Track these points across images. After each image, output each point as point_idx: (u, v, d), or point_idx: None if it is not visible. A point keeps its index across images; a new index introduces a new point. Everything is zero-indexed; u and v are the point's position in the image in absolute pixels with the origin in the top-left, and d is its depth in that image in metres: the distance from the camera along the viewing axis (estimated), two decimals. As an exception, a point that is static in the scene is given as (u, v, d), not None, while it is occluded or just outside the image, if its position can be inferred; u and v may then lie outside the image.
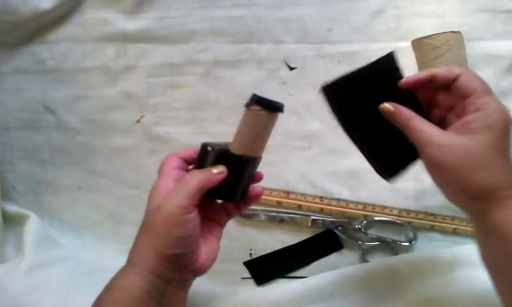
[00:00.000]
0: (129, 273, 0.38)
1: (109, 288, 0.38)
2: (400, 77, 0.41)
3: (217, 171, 0.40)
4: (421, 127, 0.39)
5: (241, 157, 0.40)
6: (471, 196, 0.37)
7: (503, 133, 0.37)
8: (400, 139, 0.40)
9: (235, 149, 0.40)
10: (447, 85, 0.39)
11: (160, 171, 0.42)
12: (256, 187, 0.45)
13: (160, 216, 0.38)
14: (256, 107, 0.39)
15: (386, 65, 0.41)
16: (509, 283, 0.36)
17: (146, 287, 0.37)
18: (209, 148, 0.40)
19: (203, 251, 0.42)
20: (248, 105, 0.40)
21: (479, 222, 0.38)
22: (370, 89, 0.41)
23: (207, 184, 0.39)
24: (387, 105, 0.41)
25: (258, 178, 0.45)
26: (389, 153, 0.43)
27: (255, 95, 0.39)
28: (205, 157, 0.41)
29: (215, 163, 0.41)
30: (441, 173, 0.38)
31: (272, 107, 0.40)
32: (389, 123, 0.41)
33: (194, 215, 0.39)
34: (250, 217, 0.60)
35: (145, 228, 0.39)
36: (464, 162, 0.36)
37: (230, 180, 0.41)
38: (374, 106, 0.41)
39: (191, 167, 0.44)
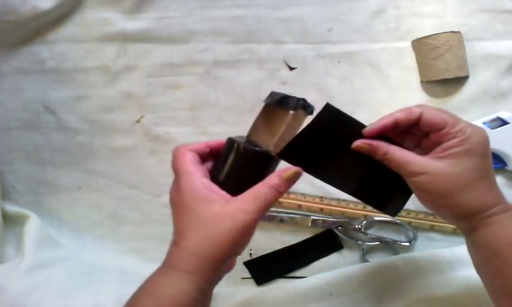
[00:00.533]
0: (178, 279, 0.36)
1: (152, 294, 0.36)
2: (348, 117, 0.41)
3: (288, 188, 0.39)
4: (401, 158, 0.39)
5: (277, 159, 0.40)
6: (458, 217, 0.39)
7: (482, 155, 0.38)
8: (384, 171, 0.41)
9: (276, 152, 0.40)
10: (413, 125, 0.40)
11: (180, 168, 0.39)
12: None
13: (232, 227, 0.36)
14: (301, 111, 0.39)
15: (330, 115, 0.40)
16: (500, 290, 0.39)
17: (195, 294, 0.35)
18: (240, 147, 0.39)
19: None
20: (290, 108, 0.39)
21: (468, 237, 0.40)
22: (328, 140, 0.41)
23: (277, 199, 0.38)
24: (361, 143, 0.41)
25: None
26: (379, 187, 0.43)
27: (302, 100, 0.39)
28: (231, 153, 0.39)
29: (242, 161, 0.39)
30: (428, 198, 0.40)
31: (311, 110, 0.40)
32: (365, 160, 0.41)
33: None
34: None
35: (202, 233, 0.36)
36: (449, 188, 0.38)
37: (254, 178, 0.39)
38: (340, 152, 0.41)
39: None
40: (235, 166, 0.39)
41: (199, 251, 0.36)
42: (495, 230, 0.38)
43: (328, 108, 0.40)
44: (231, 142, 0.40)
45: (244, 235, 0.36)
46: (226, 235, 0.36)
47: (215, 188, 0.38)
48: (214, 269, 0.36)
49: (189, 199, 0.37)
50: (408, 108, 0.40)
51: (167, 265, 0.37)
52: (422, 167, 0.38)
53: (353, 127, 0.41)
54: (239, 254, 0.38)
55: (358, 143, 0.41)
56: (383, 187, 0.43)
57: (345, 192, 0.43)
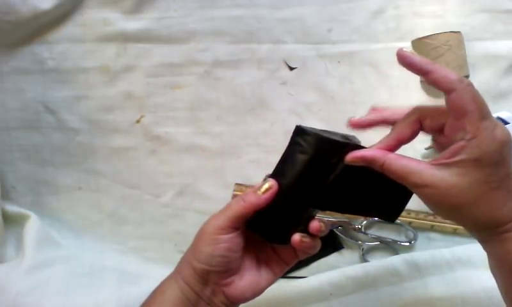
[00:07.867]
0: (170, 279, 0.41)
1: (154, 290, 0.42)
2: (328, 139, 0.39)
3: (264, 202, 0.39)
4: (399, 168, 0.35)
5: None
6: (468, 229, 0.36)
7: (496, 164, 0.33)
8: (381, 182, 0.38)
9: None
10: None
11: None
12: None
13: (199, 232, 0.40)
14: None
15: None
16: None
17: (179, 294, 0.40)
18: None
19: (247, 278, 0.41)
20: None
21: (481, 244, 0.37)
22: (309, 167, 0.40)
23: (251, 211, 0.39)
24: (353, 158, 0.37)
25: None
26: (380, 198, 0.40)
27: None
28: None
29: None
30: (434, 209, 0.36)
31: None
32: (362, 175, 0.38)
33: (230, 237, 0.38)
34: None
35: (192, 244, 0.41)
36: (453, 203, 0.34)
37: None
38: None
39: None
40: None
41: (186, 255, 0.41)
42: (508, 248, 0.34)
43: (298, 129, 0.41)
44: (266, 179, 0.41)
45: (206, 242, 0.39)
46: (195, 241, 0.40)
47: None
48: (190, 274, 0.39)
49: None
50: (448, 71, 0.34)
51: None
52: (424, 179, 0.34)
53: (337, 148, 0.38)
54: (214, 265, 0.39)
55: (349, 156, 0.37)
56: (381, 196, 0.40)
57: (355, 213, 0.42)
